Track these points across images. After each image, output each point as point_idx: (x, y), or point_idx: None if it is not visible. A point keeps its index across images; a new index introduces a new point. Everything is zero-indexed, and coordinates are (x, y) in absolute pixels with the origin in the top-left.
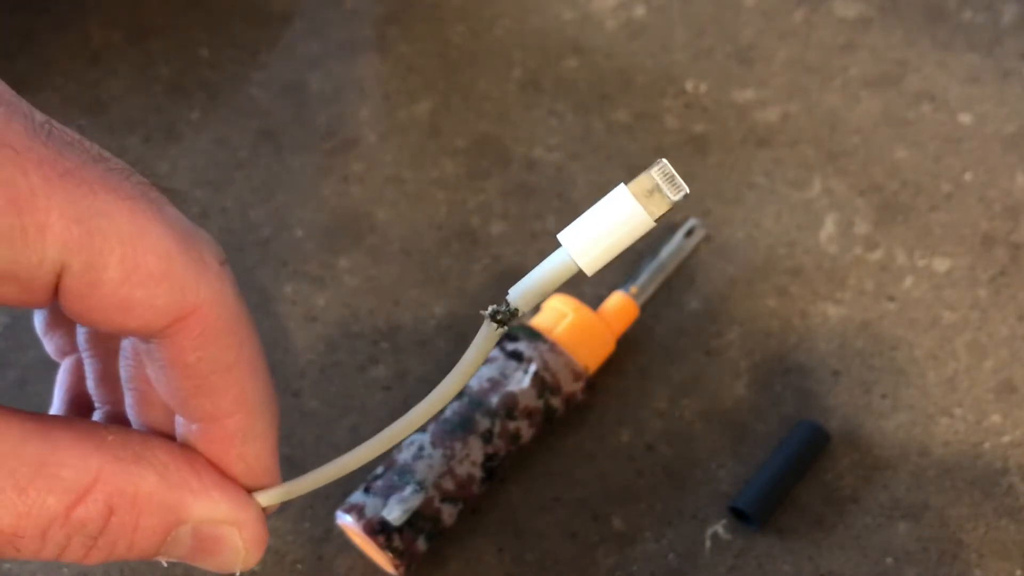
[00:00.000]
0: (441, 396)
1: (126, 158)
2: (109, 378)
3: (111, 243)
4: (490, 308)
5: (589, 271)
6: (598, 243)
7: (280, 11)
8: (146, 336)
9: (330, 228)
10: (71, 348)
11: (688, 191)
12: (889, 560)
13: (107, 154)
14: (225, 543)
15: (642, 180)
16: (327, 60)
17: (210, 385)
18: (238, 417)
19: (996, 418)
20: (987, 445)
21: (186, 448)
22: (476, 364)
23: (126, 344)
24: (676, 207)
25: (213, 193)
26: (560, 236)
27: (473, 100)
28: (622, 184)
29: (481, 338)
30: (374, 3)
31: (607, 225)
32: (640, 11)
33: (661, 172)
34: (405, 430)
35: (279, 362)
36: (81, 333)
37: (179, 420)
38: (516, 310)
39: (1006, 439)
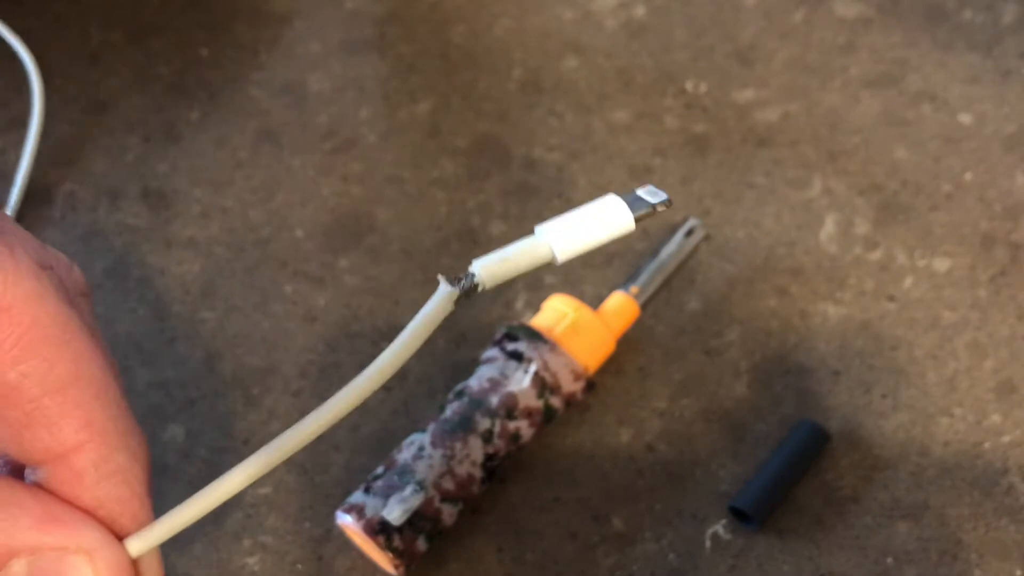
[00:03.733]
0: (382, 370)
1: (126, 158)
2: None
3: None
4: (453, 278)
5: (561, 259)
6: (576, 235)
7: (280, 11)
8: None
9: (330, 228)
10: None
11: (669, 201)
12: (889, 560)
13: None
14: None
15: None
16: (327, 60)
17: (44, 411)
18: (87, 449)
19: (996, 418)
20: (987, 445)
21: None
22: (423, 334)
23: None
24: (657, 214)
25: (213, 193)
26: (537, 227)
27: (473, 100)
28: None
29: (434, 302)
30: (374, 3)
31: (589, 220)
32: (640, 11)
33: (646, 190)
34: (341, 410)
35: (279, 362)
36: None
37: (27, 473)
38: (476, 282)
39: (1006, 439)
